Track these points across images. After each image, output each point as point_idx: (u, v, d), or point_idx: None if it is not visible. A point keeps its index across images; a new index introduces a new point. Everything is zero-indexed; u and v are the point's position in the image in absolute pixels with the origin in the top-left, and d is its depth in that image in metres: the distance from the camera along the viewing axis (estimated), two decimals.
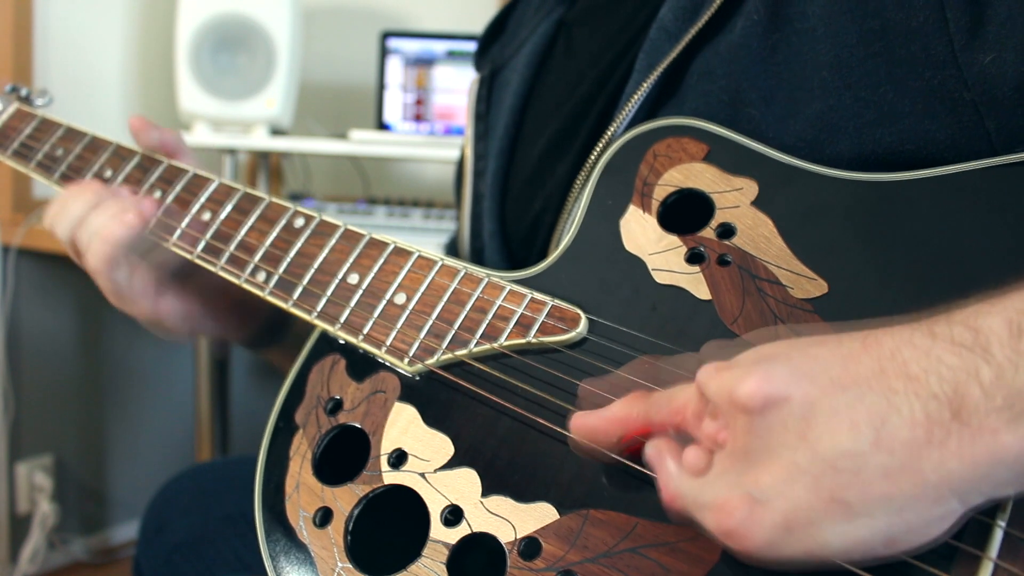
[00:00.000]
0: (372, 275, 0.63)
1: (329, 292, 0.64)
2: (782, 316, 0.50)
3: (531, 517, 0.51)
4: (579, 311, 0.56)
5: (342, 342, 0.62)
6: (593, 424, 0.48)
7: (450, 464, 0.54)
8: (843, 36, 0.55)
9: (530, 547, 0.50)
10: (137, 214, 0.71)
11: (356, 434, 0.58)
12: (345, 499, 0.56)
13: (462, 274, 0.60)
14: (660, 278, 0.55)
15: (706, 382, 0.42)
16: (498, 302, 0.58)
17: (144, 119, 0.76)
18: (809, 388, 0.39)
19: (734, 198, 0.55)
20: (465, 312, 0.58)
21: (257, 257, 0.68)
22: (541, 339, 0.56)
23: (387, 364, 0.60)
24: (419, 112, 1.99)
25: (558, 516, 0.50)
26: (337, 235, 0.66)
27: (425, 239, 1.51)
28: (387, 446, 0.57)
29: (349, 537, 0.55)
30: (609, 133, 0.64)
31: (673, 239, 0.55)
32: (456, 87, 1.97)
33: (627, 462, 0.48)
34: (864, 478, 0.37)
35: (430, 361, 0.58)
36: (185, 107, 1.83)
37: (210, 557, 0.88)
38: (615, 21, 0.73)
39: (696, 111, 0.59)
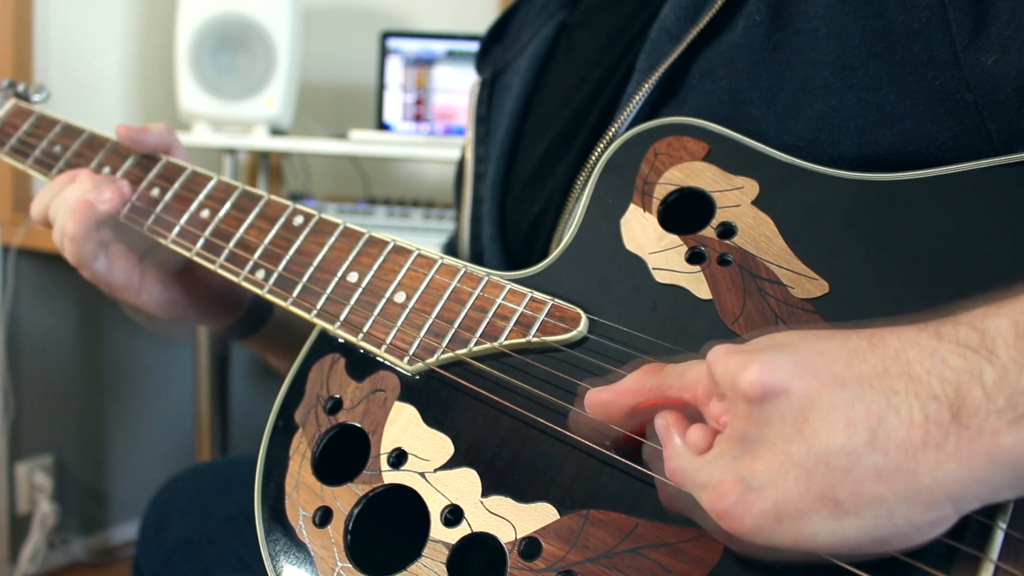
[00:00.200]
0: (372, 273, 0.63)
1: (329, 290, 0.64)
2: (783, 316, 0.50)
3: (531, 517, 0.51)
4: (579, 310, 0.55)
5: (341, 341, 0.62)
6: (607, 397, 0.48)
7: (450, 464, 0.54)
8: (845, 37, 0.55)
9: (530, 547, 0.50)
10: (114, 191, 0.70)
11: (356, 433, 0.58)
12: (345, 499, 0.56)
13: (462, 272, 0.60)
14: (660, 277, 0.55)
15: (714, 363, 0.42)
16: (498, 301, 0.58)
17: (130, 127, 0.76)
18: (810, 382, 0.39)
19: (735, 197, 0.55)
20: (465, 311, 0.58)
21: (256, 255, 0.68)
22: (541, 338, 0.55)
23: (387, 363, 0.60)
24: (419, 112, 1.98)
25: (558, 516, 0.50)
26: (336, 233, 0.65)
27: (425, 239, 1.50)
28: (387, 445, 0.56)
29: (349, 537, 0.55)
30: (610, 133, 0.64)
31: (674, 238, 0.55)
32: (456, 87, 1.97)
33: (630, 463, 0.48)
34: (855, 477, 0.37)
35: (430, 360, 0.58)
36: (185, 107, 1.83)
37: (210, 557, 0.88)
38: (615, 23, 0.73)
39: (697, 111, 0.59)
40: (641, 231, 0.57)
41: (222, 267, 0.69)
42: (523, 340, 0.56)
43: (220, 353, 1.89)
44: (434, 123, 1.99)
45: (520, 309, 0.57)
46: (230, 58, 1.84)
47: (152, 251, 0.76)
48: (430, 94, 1.98)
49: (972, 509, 0.38)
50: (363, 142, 1.84)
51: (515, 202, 0.76)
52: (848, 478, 0.37)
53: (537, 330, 0.56)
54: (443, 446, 0.55)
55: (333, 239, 0.65)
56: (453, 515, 0.53)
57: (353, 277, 0.63)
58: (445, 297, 0.59)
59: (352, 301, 0.62)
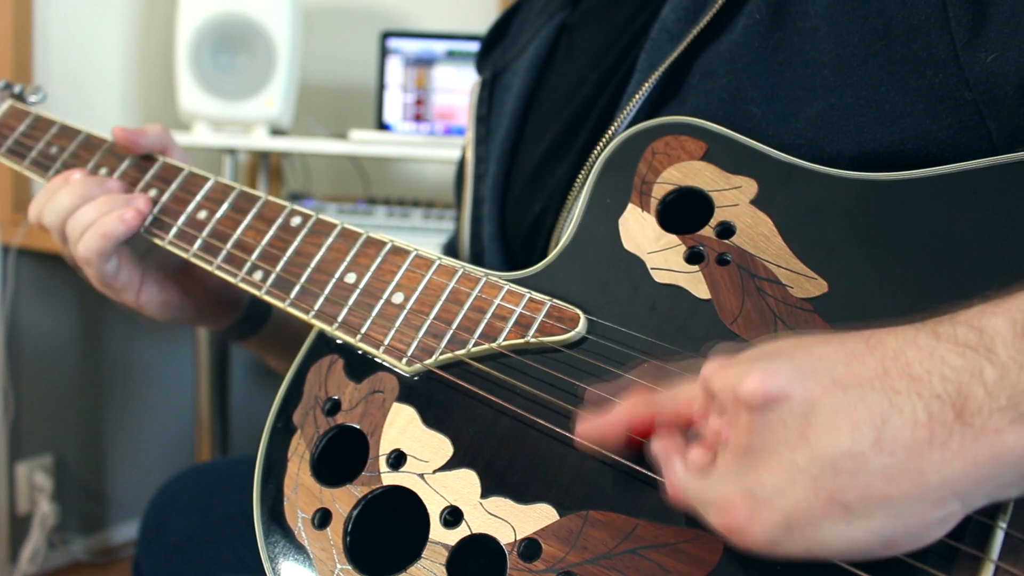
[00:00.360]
0: (370, 274, 0.63)
1: (327, 291, 0.63)
2: (782, 315, 0.50)
3: (531, 518, 0.50)
4: (578, 311, 0.55)
5: (340, 342, 0.62)
6: (599, 427, 0.48)
7: (449, 465, 0.54)
8: (845, 35, 0.55)
9: (530, 548, 0.50)
10: (135, 212, 0.71)
11: (354, 435, 0.58)
12: (344, 500, 0.55)
13: (460, 273, 0.60)
14: (659, 277, 0.55)
15: (710, 377, 0.42)
16: (496, 301, 0.58)
17: (126, 130, 0.76)
18: (811, 387, 0.39)
19: (733, 196, 0.54)
20: (463, 311, 0.58)
21: (254, 256, 0.67)
22: (540, 339, 0.55)
23: (385, 364, 0.60)
24: (419, 112, 1.98)
25: (558, 517, 0.50)
26: (334, 234, 0.65)
27: (425, 239, 1.51)
28: (386, 447, 0.56)
29: (348, 538, 0.55)
30: (610, 133, 0.64)
31: (672, 238, 0.55)
32: (456, 87, 1.97)
33: (630, 464, 0.48)
34: (864, 480, 0.37)
35: (428, 361, 0.58)
36: (185, 107, 1.83)
37: (210, 557, 0.88)
38: (616, 23, 0.72)
39: (697, 110, 0.59)
40: (639, 231, 0.56)
41: (220, 268, 0.69)
42: (521, 340, 0.56)
43: (223, 343, 1.89)
44: (434, 123, 1.99)
45: (518, 310, 0.57)
46: (230, 58, 1.84)
47: (150, 252, 0.77)
48: (430, 94, 1.98)
49: (979, 506, 0.38)
50: (363, 142, 1.84)
51: (515, 202, 0.76)
52: (856, 481, 0.37)
53: (535, 330, 0.56)
54: (442, 447, 0.55)
55: (331, 240, 0.65)
56: (452, 516, 0.52)
57: (351, 278, 0.63)
58: (443, 298, 0.59)
59: (350, 302, 0.62)
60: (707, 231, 0.54)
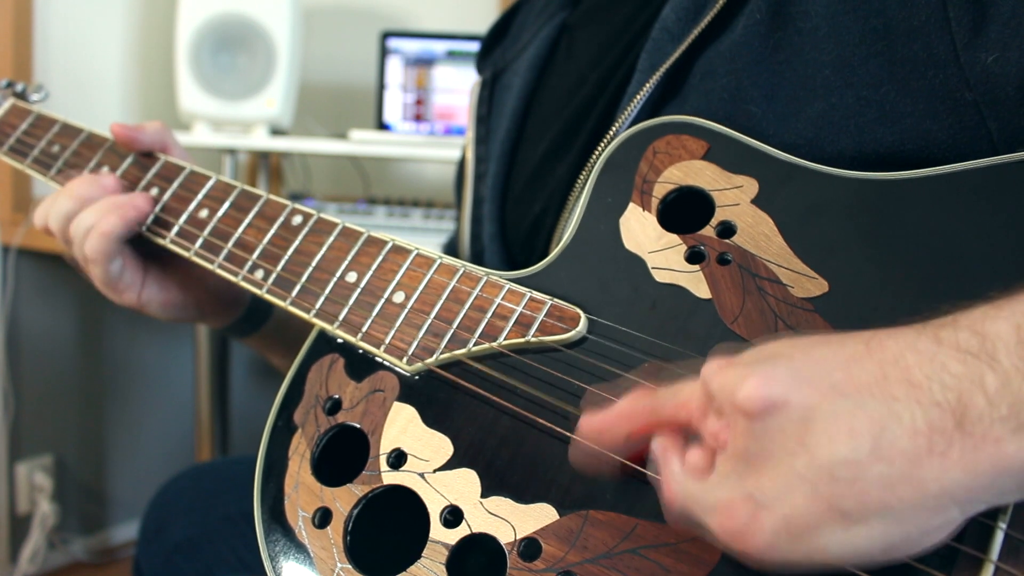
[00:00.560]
0: (370, 273, 0.63)
1: (327, 290, 0.63)
2: (782, 315, 0.50)
3: (531, 518, 0.50)
4: (578, 310, 0.55)
5: (340, 341, 0.62)
6: (599, 423, 0.47)
7: (449, 464, 0.54)
8: (845, 35, 0.55)
9: (530, 548, 0.50)
10: (136, 210, 0.71)
11: (355, 434, 0.58)
12: (344, 499, 0.55)
13: (461, 272, 0.60)
14: (660, 277, 0.55)
15: (709, 379, 0.42)
16: (497, 301, 0.58)
17: (124, 126, 0.76)
18: (809, 392, 0.38)
19: (734, 196, 0.54)
20: (464, 311, 0.58)
21: (255, 255, 0.68)
22: (540, 338, 0.55)
23: (386, 363, 0.60)
24: (419, 112, 1.98)
25: (558, 517, 0.50)
26: (335, 233, 0.65)
27: (425, 239, 1.50)
28: (386, 446, 0.56)
29: (348, 537, 0.55)
30: (611, 133, 0.64)
31: (673, 237, 0.55)
32: (456, 87, 1.97)
33: (629, 463, 0.48)
34: (862, 487, 0.37)
35: (429, 360, 0.58)
36: (185, 107, 1.83)
37: (210, 557, 0.88)
38: (616, 23, 0.72)
39: (698, 110, 0.59)
40: (640, 230, 0.57)
41: (221, 267, 0.69)
42: (522, 340, 0.56)
43: (223, 342, 1.89)
44: (434, 123, 1.99)
45: (519, 309, 0.57)
46: (230, 58, 1.84)
47: (152, 252, 0.77)
48: (430, 94, 1.98)
49: (978, 512, 0.38)
50: (363, 142, 1.84)
51: (515, 202, 0.76)
52: (853, 488, 0.37)
53: (536, 330, 0.56)
54: (442, 446, 0.55)
55: (332, 239, 0.65)
56: (453, 516, 0.52)
57: (352, 277, 0.63)
58: (444, 297, 0.59)
59: (351, 301, 0.62)
60: (708, 230, 0.54)
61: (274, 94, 1.82)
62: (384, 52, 1.97)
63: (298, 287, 0.65)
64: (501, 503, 0.52)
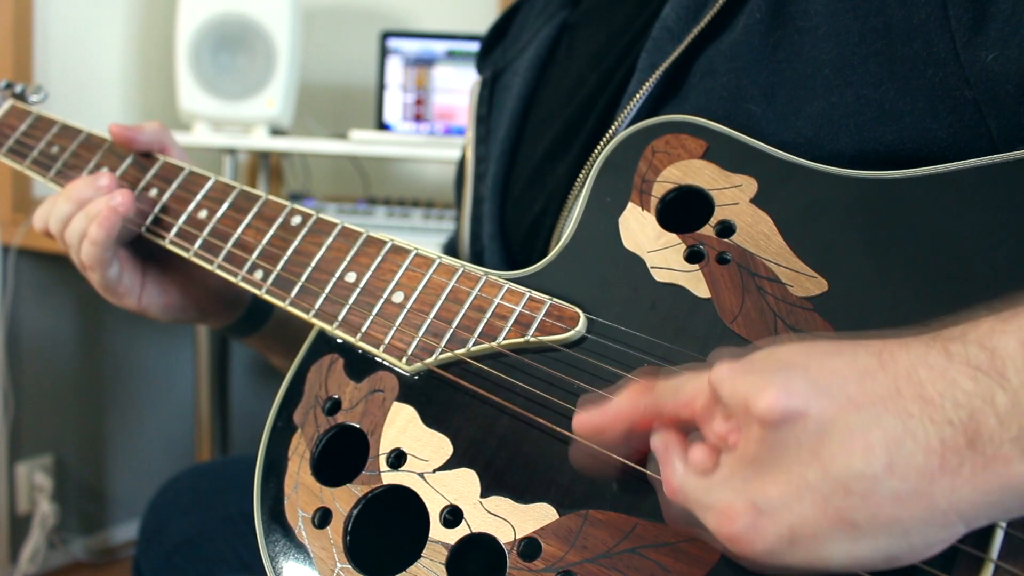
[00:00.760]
0: (370, 273, 0.63)
1: (327, 290, 0.63)
2: (782, 314, 0.50)
3: (530, 517, 0.50)
4: (578, 310, 0.55)
5: (340, 341, 0.62)
6: (598, 420, 0.47)
7: (449, 464, 0.54)
8: (845, 34, 0.55)
9: (529, 547, 0.50)
10: (116, 214, 0.70)
11: (355, 434, 0.58)
12: (344, 499, 0.55)
13: (460, 272, 0.60)
14: (659, 276, 0.55)
15: (720, 383, 0.41)
16: (496, 300, 0.58)
17: (123, 126, 0.76)
18: (826, 405, 0.38)
19: (733, 195, 0.54)
20: (463, 311, 0.58)
21: (255, 255, 0.68)
22: (540, 338, 0.55)
23: (385, 363, 0.60)
24: (419, 112, 1.98)
25: (557, 516, 0.50)
26: (334, 233, 0.65)
27: (425, 239, 1.50)
28: (386, 446, 0.56)
29: (348, 537, 0.54)
30: (611, 132, 0.64)
31: (672, 237, 0.55)
32: (456, 87, 1.97)
33: (630, 463, 0.48)
34: (874, 501, 0.37)
35: (428, 360, 0.58)
36: (185, 107, 1.83)
37: (210, 557, 0.88)
38: (616, 22, 0.72)
39: (698, 109, 0.59)
40: (639, 230, 0.56)
41: (220, 267, 0.69)
42: (521, 340, 0.56)
43: (223, 342, 1.89)
44: (434, 123, 1.99)
45: (518, 309, 0.57)
46: (230, 58, 1.84)
47: (151, 255, 0.77)
48: (430, 94, 1.98)
49: (982, 525, 0.39)
50: (363, 142, 1.84)
51: (515, 202, 0.76)
52: (867, 502, 0.37)
53: (535, 330, 0.56)
54: (442, 446, 0.55)
55: (331, 239, 0.65)
56: (452, 515, 0.52)
57: (351, 277, 0.63)
58: (443, 297, 0.59)
59: (350, 301, 0.62)
60: (707, 230, 0.54)
61: (274, 94, 1.82)
62: (384, 52, 1.97)
63: (297, 287, 0.65)
64: (501, 503, 0.52)
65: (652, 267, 0.55)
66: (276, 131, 1.89)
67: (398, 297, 0.61)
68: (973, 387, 0.37)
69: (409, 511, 0.53)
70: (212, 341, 1.87)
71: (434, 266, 0.61)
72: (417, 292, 0.60)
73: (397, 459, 0.56)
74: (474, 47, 1.88)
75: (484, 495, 0.52)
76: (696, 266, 0.54)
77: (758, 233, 0.53)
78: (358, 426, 0.58)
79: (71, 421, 2.07)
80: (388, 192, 2.19)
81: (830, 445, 0.38)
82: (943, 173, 0.50)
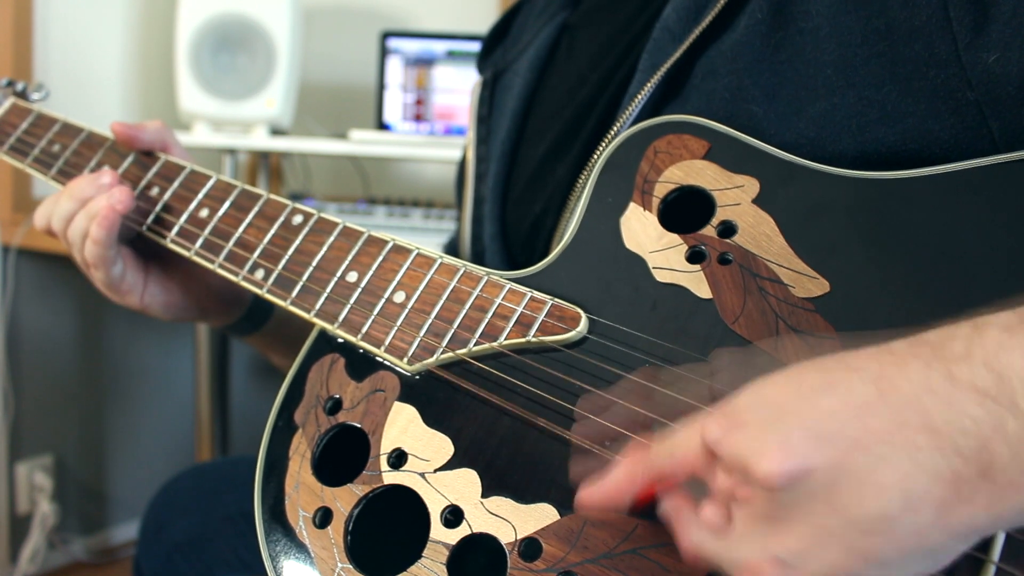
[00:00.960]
0: (371, 273, 0.63)
1: (328, 290, 0.63)
2: (783, 315, 0.50)
3: (531, 518, 0.50)
4: (579, 310, 0.55)
5: (341, 341, 0.62)
6: (599, 498, 0.46)
7: (450, 464, 0.54)
8: (847, 35, 0.55)
9: (530, 548, 0.50)
10: (115, 213, 0.70)
11: (356, 433, 0.58)
12: (345, 499, 0.55)
13: (461, 272, 0.60)
14: (661, 276, 0.55)
15: (715, 444, 0.40)
16: (498, 301, 0.58)
17: (125, 124, 0.76)
18: (830, 453, 0.37)
19: (735, 196, 0.54)
20: (464, 311, 0.58)
21: (256, 254, 0.67)
22: (541, 338, 0.55)
23: (387, 363, 0.60)
24: (419, 112, 1.98)
25: (558, 517, 0.50)
26: (336, 232, 0.65)
27: (425, 239, 1.50)
28: (387, 446, 0.56)
29: (349, 537, 0.54)
30: (612, 133, 0.64)
31: (674, 237, 0.55)
32: (456, 87, 1.97)
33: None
34: (897, 537, 0.37)
35: (430, 360, 0.58)
36: (185, 107, 1.83)
37: (210, 557, 0.88)
38: (617, 23, 0.72)
39: (699, 110, 0.59)
40: (641, 230, 0.56)
41: (221, 267, 0.69)
42: (523, 340, 0.56)
43: (223, 342, 1.89)
44: (434, 123, 1.99)
45: (519, 309, 0.57)
46: (230, 58, 1.84)
47: (152, 253, 0.77)
48: (430, 94, 1.98)
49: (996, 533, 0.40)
50: (363, 142, 1.84)
51: (516, 202, 0.76)
52: (890, 539, 0.37)
53: (537, 330, 0.56)
54: (443, 446, 0.55)
55: (332, 238, 0.65)
56: (453, 516, 0.52)
57: (352, 276, 0.63)
58: (444, 297, 0.59)
59: (351, 301, 0.62)
60: (709, 230, 0.54)
61: (274, 94, 1.82)
62: (384, 52, 1.97)
63: (299, 287, 0.65)
64: (502, 503, 0.52)
65: (654, 267, 0.55)
66: (276, 131, 1.89)
67: (399, 297, 0.61)
68: (981, 414, 0.36)
69: (410, 511, 0.53)
70: (212, 341, 1.87)
71: (435, 266, 0.61)
72: (418, 292, 0.60)
73: (398, 459, 0.56)
74: (474, 47, 1.88)
75: (485, 495, 0.52)
76: (698, 266, 0.54)
77: (760, 234, 0.53)
78: (359, 426, 0.58)
79: (71, 421, 2.07)
80: (388, 192, 2.19)
81: (843, 493, 0.37)
82: (945, 174, 0.50)
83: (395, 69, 1.97)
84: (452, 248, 0.88)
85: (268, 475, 0.59)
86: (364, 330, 0.61)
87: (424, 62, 1.97)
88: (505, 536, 0.50)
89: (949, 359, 0.38)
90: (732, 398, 0.41)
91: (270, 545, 0.56)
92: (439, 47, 1.97)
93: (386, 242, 0.63)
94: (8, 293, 1.89)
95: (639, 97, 0.63)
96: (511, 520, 0.51)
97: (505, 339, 0.56)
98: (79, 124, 0.81)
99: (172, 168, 0.75)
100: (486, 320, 0.57)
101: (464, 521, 0.52)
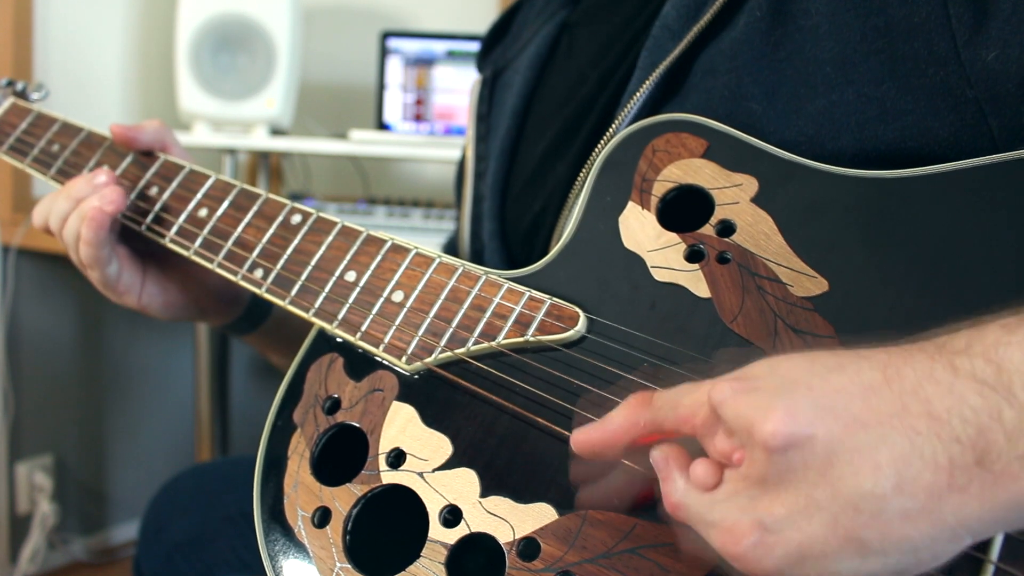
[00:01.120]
0: (369, 272, 0.62)
1: (327, 289, 0.63)
2: (782, 314, 0.50)
3: (530, 517, 0.50)
4: (577, 309, 0.55)
5: (340, 340, 0.62)
6: (596, 438, 0.46)
7: (448, 464, 0.54)
8: (846, 33, 0.55)
9: (529, 547, 0.50)
10: (104, 214, 0.70)
11: (354, 433, 0.58)
12: (343, 499, 0.55)
13: (460, 271, 0.60)
14: (659, 276, 0.54)
15: (721, 403, 0.40)
16: (496, 300, 0.58)
17: (123, 126, 0.75)
18: (832, 425, 0.38)
19: (734, 194, 0.54)
20: (463, 310, 0.58)
21: (255, 254, 0.67)
22: (539, 337, 0.55)
23: (385, 362, 0.60)
24: (419, 112, 1.98)
25: (557, 516, 0.50)
26: (334, 232, 0.65)
27: (425, 239, 1.50)
28: (385, 445, 0.56)
29: (348, 537, 0.54)
30: (611, 131, 0.64)
31: (672, 236, 0.55)
32: (456, 87, 1.97)
33: (630, 463, 0.48)
34: (884, 520, 0.37)
35: (428, 359, 0.58)
36: (185, 107, 1.83)
37: (210, 557, 0.88)
38: (616, 21, 0.72)
39: (698, 108, 0.59)
40: (639, 229, 0.56)
41: (220, 266, 0.69)
42: (521, 339, 0.56)
43: (223, 342, 1.89)
44: (434, 123, 1.99)
45: (518, 308, 0.57)
46: (230, 58, 1.84)
47: (151, 252, 0.77)
48: (430, 94, 1.98)
49: (988, 537, 0.39)
50: (363, 142, 1.84)
51: (515, 200, 0.76)
52: (876, 521, 0.37)
53: (535, 329, 0.56)
54: (441, 446, 0.55)
55: (331, 238, 0.65)
56: (452, 515, 0.52)
57: (351, 276, 0.63)
58: (443, 296, 0.59)
59: (350, 300, 0.62)
60: (707, 229, 0.54)
61: (274, 94, 1.82)
62: (384, 52, 1.97)
63: (297, 286, 0.65)
64: (500, 503, 0.52)
65: (652, 266, 0.55)
66: (276, 131, 1.89)
67: (398, 296, 0.61)
68: (980, 403, 0.37)
69: (409, 511, 0.53)
70: (212, 341, 1.87)
71: (434, 265, 0.61)
72: (417, 291, 0.60)
73: (397, 458, 0.56)
74: (474, 47, 1.88)
75: (483, 495, 0.52)
76: (696, 265, 0.54)
77: (758, 232, 0.53)
78: (358, 425, 0.58)
79: (71, 421, 2.07)
80: (388, 192, 2.19)
81: (838, 465, 0.37)
82: (944, 172, 0.49)
83: (395, 69, 1.97)
84: (451, 246, 0.88)
85: (267, 475, 0.59)
86: (363, 329, 0.61)
87: (424, 62, 1.97)
88: (503, 536, 0.50)
89: (951, 352, 0.39)
90: (745, 367, 0.42)
91: (269, 545, 0.56)
92: (439, 47, 1.97)
93: (384, 241, 0.63)
94: (8, 293, 1.89)
95: (638, 95, 0.62)
96: (509, 520, 0.51)
97: (503, 338, 0.56)
98: (78, 124, 0.81)
99: (171, 168, 0.75)
100: (484, 319, 0.57)
101: (463, 521, 0.52)
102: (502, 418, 0.54)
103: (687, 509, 0.41)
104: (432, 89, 1.98)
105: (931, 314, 0.44)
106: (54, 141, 0.80)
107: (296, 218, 0.67)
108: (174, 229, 0.72)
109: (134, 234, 0.75)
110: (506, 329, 0.56)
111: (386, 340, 0.60)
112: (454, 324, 0.58)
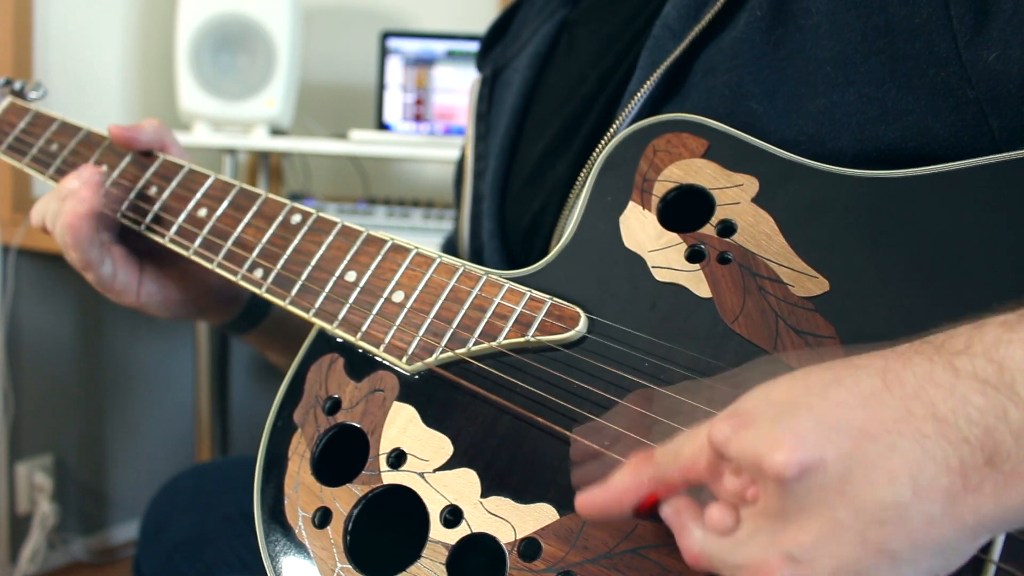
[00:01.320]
0: (370, 272, 0.62)
1: (327, 289, 0.63)
2: (783, 314, 0.50)
3: (531, 517, 0.50)
4: (578, 309, 0.55)
5: (340, 340, 0.62)
6: (601, 501, 0.44)
7: (449, 464, 0.54)
8: (847, 33, 0.55)
9: (530, 548, 0.50)
10: (80, 219, 0.69)
11: (355, 433, 0.58)
12: (344, 499, 0.55)
13: (460, 272, 0.60)
14: (660, 276, 0.54)
15: (724, 443, 0.39)
16: (497, 300, 0.57)
17: (122, 127, 0.75)
18: (840, 443, 0.37)
19: (734, 194, 0.54)
20: (463, 310, 0.58)
21: (255, 253, 0.67)
22: (540, 338, 0.55)
23: (386, 363, 0.59)
24: (419, 112, 1.98)
25: (558, 516, 0.50)
26: (334, 232, 0.65)
27: (425, 239, 1.50)
28: (386, 446, 0.56)
29: (348, 537, 0.54)
30: (611, 131, 0.64)
31: (673, 236, 0.55)
32: (456, 87, 1.97)
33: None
34: (909, 527, 0.37)
35: (429, 360, 0.58)
36: (185, 107, 1.83)
37: (210, 557, 0.88)
38: (617, 20, 0.72)
39: (699, 107, 0.59)
40: (640, 229, 0.56)
41: (220, 266, 0.69)
42: (522, 339, 0.56)
43: (223, 343, 1.89)
44: (434, 123, 1.99)
45: (519, 308, 0.57)
46: (230, 58, 1.84)
47: (149, 251, 0.76)
48: (430, 94, 1.98)
49: (1004, 533, 0.39)
50: (363, 142, 1.84)
51: (515, 199, 0.76)
52: (902, 529, 0.37)
53: (536, 329, 0.56)
54: (442, 446, 0.55)
55: (331, 238, 0.65)
56: (452, 515, 0.52)
57: (351, 276, 0.63)
58: (443, 296, 0.59)
59: (350, 300, 0.62)
60: (708, 229, 0.54)
61: (274, 94, 1.82)
62: (384, 52, 1.97)
63: (297, 286, 0.65)
64: (501, 503, 0.51)
65: (653, 267, 0.55)
66: (276, 131, 1.89)
67: (398, 296, 0.61)
68: (984, 403, 0.37)
69: (409, 511, 0.53)
70: (212, 341, 1.87)
71: (434, 265, 0.61)
72: (417, 291, 0.60)
73: (397, 459, 0.55)
74: (474, 47, 1.88)
75: (484, 495, 0.52)
76: (697, 266, 0.54)
77: (759, 233, 0.52)
78: (358, 426, 0.58)
79: (71, 421, 2.07)
80: (388, 192, 2.19)
81: (854, 482, 0.37)
82: (945, 172, 0.49)
83: (395, 69, 1.97)
84: (450, 245, 0.88)
85: (267, 475, 0.59)
86: (363, 329, 0.61)
87: (424, 62, 1.97)
88: (504, 536, 0.50)
89: (950, 353, 0.38)
90: (738, 400, 0.41)
91: (269, 545, 0.56)
92: (439, 47, 1.97)
93: (385, 241, 0.63)
94: (8, 293, 1.89)
95: (639, 95, 0.62)
96: (510, 520, 0.51)
97: (504, 339, 0.56)
98: (77, 123, 0.81)
99: (170, 167, 0.75)
100: (485, 320, 0.57)
101: (463, 521, 0.52)
102: (503, 418, 0.54)
103: (710, 557, 0.40)
104: (432, 89, 1.98)
105: (932, 314, 0.44)
106: (53, 140, 0.80)
107: (296, 218, 0.67)
108: (173, 229, 0.72)
109: (134, 233, 0.74)
110: (507, 329, 0.56)
111: (387, 340, 0.60)
112: (455, 324, 0.58)
